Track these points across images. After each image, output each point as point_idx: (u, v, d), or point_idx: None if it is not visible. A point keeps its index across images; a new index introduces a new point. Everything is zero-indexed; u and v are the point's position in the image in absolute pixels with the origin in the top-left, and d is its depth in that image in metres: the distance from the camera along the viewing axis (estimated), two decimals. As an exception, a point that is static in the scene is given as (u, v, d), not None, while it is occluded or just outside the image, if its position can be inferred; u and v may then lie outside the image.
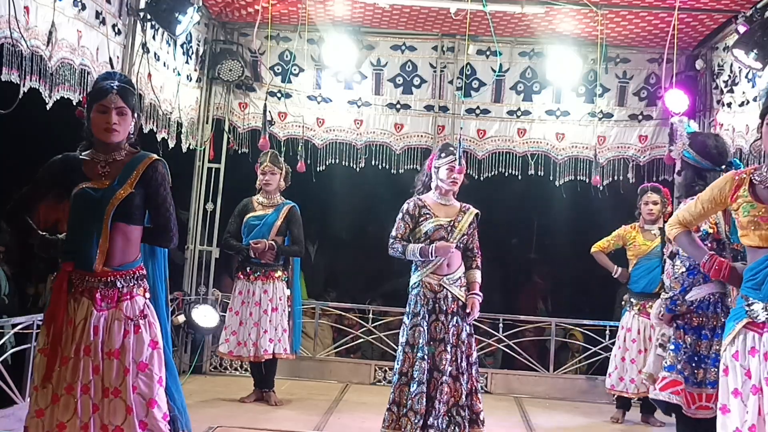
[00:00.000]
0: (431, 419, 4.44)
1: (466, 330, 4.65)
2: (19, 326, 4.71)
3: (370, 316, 7.32)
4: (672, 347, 3.84)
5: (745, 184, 2.99)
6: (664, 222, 5.89)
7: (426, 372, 4.48)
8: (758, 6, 5.37)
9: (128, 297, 3.12)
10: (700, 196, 3.29)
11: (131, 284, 3.14)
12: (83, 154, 3.20)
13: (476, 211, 4.78)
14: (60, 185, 3.18)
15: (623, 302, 6.04)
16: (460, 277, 4.68)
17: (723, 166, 3.93)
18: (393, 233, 4.66)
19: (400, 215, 4.67)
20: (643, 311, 5.79)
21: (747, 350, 2.89)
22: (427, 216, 4.63)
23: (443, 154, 4.73)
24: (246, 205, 5.96)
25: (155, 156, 3.25)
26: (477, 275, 4.74)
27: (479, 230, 4.83)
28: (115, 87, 3.11)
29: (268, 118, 7.00)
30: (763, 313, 2.87)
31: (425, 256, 4.55)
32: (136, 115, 3.22)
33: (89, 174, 3.14)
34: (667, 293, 3.91)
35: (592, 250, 6.09)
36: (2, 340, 4.66)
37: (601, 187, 6.99)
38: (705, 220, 3.46)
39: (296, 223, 5.91)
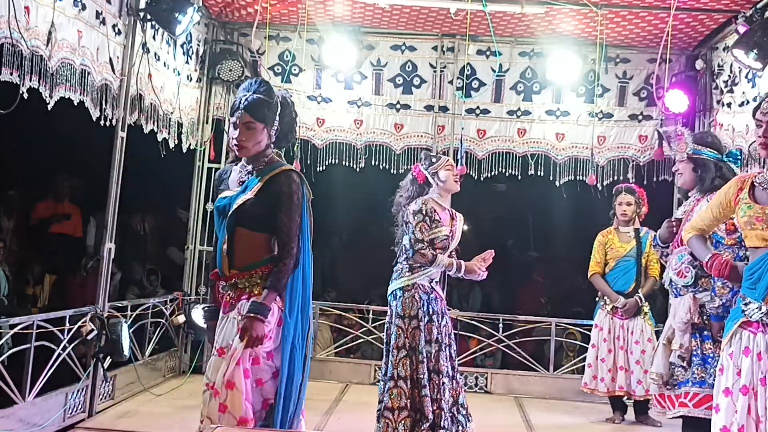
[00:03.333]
0: (441, 421, 4.45)
1: (450, 328, 4.73)
2: (18, 327, 4.71)
3: (370, 316, 7.32)
4: (699, 361, 3.82)
5: (746, 187, 3.04)
6: (641, 223, 5.96)
7: (426, 374, 4.49)
8: (758, 6, 5.37)
9: (246, 297, 3.15)
10: (710, 203, 3.32)
11: (252, 284, 3.16)
12: (236, 164, 3.34)
13: (461, 215, 4.85)
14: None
15: (597, 298, 6.08)
16: (438, 280, 4.76)
17: (723, 156, 3.99)
18: (419, 237, 4.55)
19: (419, 218, 4.58)
20: (615, 311, 5.87)
21: (741, 350, 2.91)
22: (437, 222, 4.64)
23: (434, 159, 4.79)
24: None
25: (288, 167, 3.25)
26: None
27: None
28: (242, 103, 3.17)
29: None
30: (757, 312, 2.89)
31: (455, 271, 4.58)
32: (271, 124, 3.22)
33: (231, 184, 3.26)
34: (696, 293, 3.87)
35: (590, 274, 6.05)
36: (1, 341, 4.66)
37: (600, 187, 6.99)
38: (718, 225, 3.45)
39: None
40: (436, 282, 4.73)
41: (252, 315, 3.06)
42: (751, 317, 2.90)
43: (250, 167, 3.23)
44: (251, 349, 3.08)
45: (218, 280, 3.27)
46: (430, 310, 4.60)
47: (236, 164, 3.34)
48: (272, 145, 3.29)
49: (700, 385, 3.81)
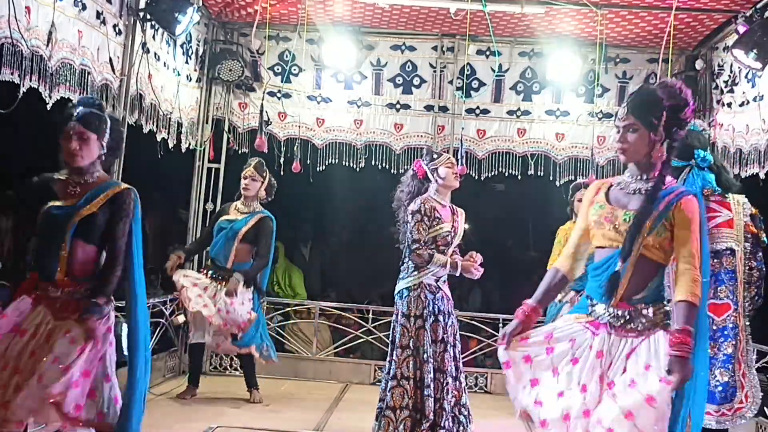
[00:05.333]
0: (442, 421, 4.45)
1: (456, 328, 4.73)
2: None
3: (370, 316, 7.32)
4: None
5: (604, 189, 3.03)
6: None
7: (431, 373, 4.50)
8: (758, 6, 5.37)
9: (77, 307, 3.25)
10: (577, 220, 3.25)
11: (84, 295, 3.27)
12: (58, 174, 3.39)
13: (462, 210, 4.85)
14: (32, 205, 3.37)
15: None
16: (445, 278, 4.76)
17: (691, 161, 3.90)
18: (416, 237, 4.59)
19: (417, 218, 4.61)
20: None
21: (567, 337, 2.91)
22: (438, 220, 4.67)
23: (435, 156, 4.82)
24: (223, 209, 5.99)
25: (127, 186, 3.38)
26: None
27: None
28: (75, 116, 3.29)
29: (266, 118, 7.00)
30: (606, 315, 2.87)
31: (450, 269, 4.60)
32: (103, 136, 3.34)
33: (60, 194, 3.32)
34: None
35: (550, 265, 5.93)
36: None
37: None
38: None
39: (264, 234, 5.78)
40: (443, 281, 4.73)
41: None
42: (599, 318, 2.89)
43: (78, 179, 3.34)
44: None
45: (41, 282, 3.31)
46: (436, 309, 4.60)
47: (56, 175, 3.40)
48: (103, 158, 3.40)
49: None
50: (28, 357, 3.14)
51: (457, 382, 4.60)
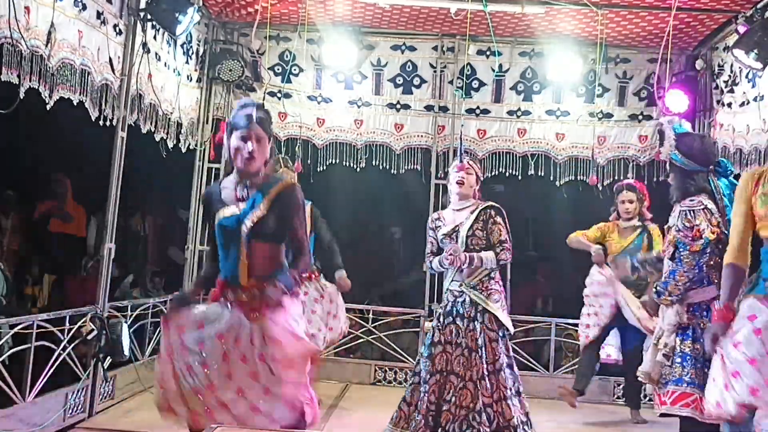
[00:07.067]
0: (448, 424, 4.44)
1: (486, 335, 4.59)
2: (18, 327, 4.70)
3: (370, 316, 7.32)
4: (678, 359, 3.85)
5: (765, 178, 3.10)
6: (641, 218, 5.95)
7: (433, 374, 4.51)
8: (758, 6, 5.38)
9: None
10: (733, 211, 3.31)
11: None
12: (221, 182, 3.44)
13: (487, 204, 4.77)
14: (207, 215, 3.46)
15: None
16: (480, 282, 4.67)
17: (710, 167, 3.94)
18: (426, 250, 4.87)
19: (428, 232, 4.88)
20: None
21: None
22: (439, 227, 4.78)
23: (451, 165, 5.03)
24: None
25: (292, 180, 3.47)
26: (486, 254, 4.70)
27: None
28: (252, 118, 3.28)
29: (269, 118, 7.00)
30: None
31: (444, 265, 4.71)
32: (270, 139, 3.36)
33: (228, 200, 3.34)
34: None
35: (570, 236, 6.02)
36: (1, 341, 4.66)
37: (601, 187, 7.00)
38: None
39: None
40: (471, 287, 4.64)
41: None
42: None
43: (247, 182, 3.33)
44: None
45: (227, 289, 3.32)
46: (455, 312, 4.65)
47: (222, 182, 3.42)
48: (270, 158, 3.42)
49: (677, 383, 3.83)
50: (239, 361, 3.14)
51: (478, 389, 4.49)
